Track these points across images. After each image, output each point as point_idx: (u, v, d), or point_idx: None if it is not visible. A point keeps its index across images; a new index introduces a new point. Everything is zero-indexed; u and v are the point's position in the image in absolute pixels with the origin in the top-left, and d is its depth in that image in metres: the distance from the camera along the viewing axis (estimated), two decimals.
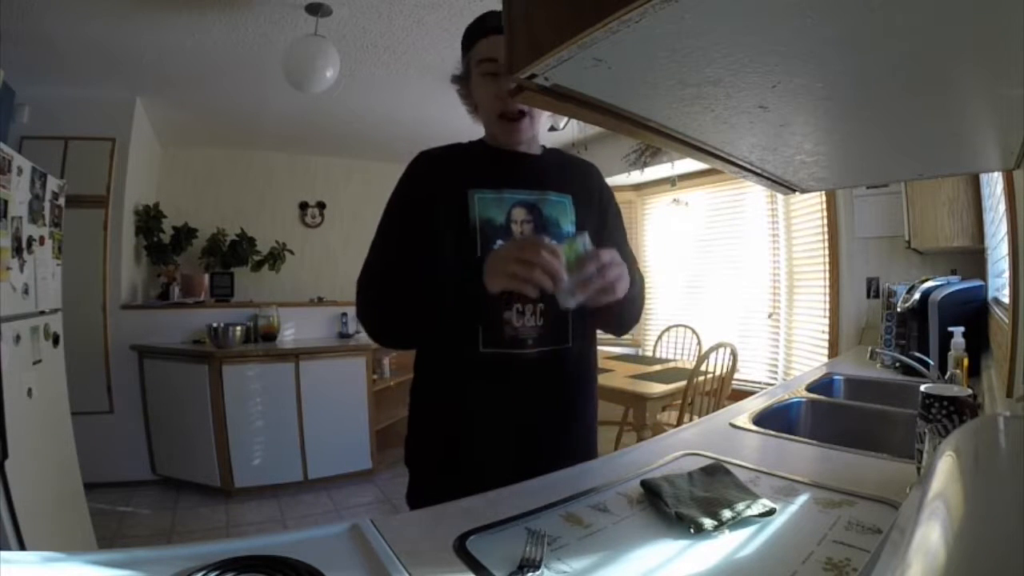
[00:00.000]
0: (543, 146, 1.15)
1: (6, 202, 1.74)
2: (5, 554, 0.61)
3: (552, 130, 3.64)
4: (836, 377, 2.00)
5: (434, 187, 1.03)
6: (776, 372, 3.57)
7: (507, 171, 1.05)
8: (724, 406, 1.96)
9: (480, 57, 1.02)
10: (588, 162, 1.19)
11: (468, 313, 0.96)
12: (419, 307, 0.96)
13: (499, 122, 1.03)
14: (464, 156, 1.08)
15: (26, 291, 1.87)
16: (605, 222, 1.14)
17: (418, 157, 1.09)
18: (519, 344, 1.00)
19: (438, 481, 1.00)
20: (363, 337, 3.80)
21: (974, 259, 2.25)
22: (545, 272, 0.82)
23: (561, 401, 1.07)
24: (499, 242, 0.97)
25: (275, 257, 4.37)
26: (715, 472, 0.91)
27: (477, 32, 1.04)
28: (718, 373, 2.76)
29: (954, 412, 0.75)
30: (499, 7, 0.53)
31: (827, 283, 3.07)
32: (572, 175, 1.13)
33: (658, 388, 2.63)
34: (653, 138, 0.66)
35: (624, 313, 1.06)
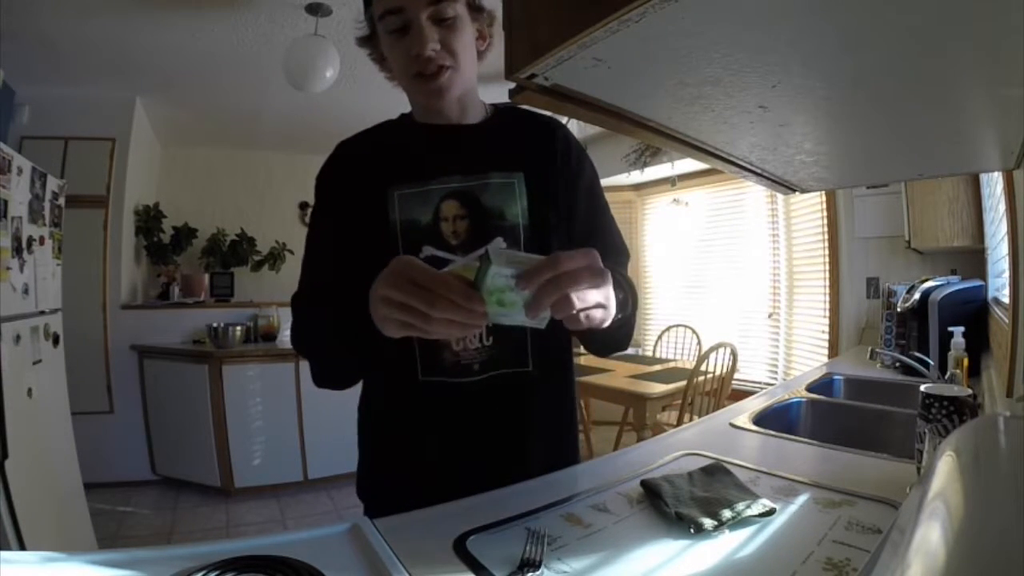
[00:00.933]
0: (492, 106, 0.91)
1: (6, 202, 1.74)
2: (5, 554, 0.61)
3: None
4: (836, 377, 2.00)
5: (350, 188, 0.85)
6: (776, 372, 3.57)
7: (435, 153, 0.84)
8: (724, 406, 1.96)
9: (382, 10, 0.78)
10: (552, 120, 0.93)
11: (380, 353, 0.74)
12: (338, 354, 0.79)
13: (415, 83, 0.80)
14: (384, 142, 0.89)
15: (26, 291, 1.87)
16: (575, 199, 0.88)
17: (335, 150, 0.92)
18: (463, 372, 0.82)
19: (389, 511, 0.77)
20: None
21: (974, 259, 2.25)
22: (446, 317, 0.57)
23: (519, 438, 0.87)
24: (427, 248, 0.79)
25: (275, 257, 4.37)
26: (715, 472, 0.91)
27: None
28: (718, 373, 2.76)
29: (954, 412, 0.75)
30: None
31: (827, 283, 3.07)
32: (527, 143, 0.88)
33: (658, 388, 2.63)
34: (653, 138, 0.66)
35: (609, 333, 0.75)
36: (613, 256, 0.87)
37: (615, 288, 0.67)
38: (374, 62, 0.89)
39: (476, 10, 0.82)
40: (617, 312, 0.68)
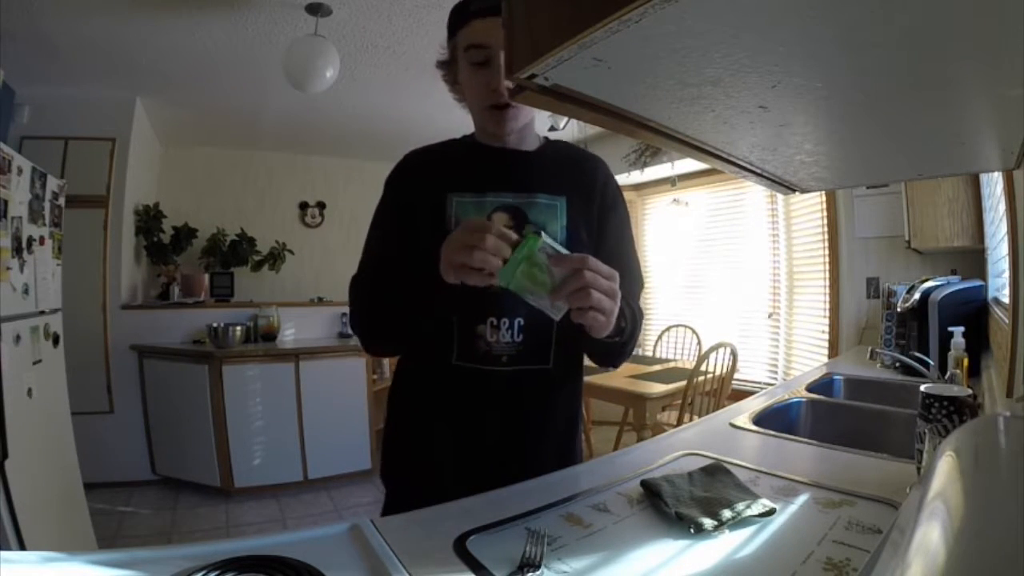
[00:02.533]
0: (544, 138, 1.05)
1: (6, 202, 1.74)
2: (5, 554, 0.61)
3: (552, 130, 3.64)
4: (836, 377, 2.00)
5: (416, 190, 0.98)
6: (776, 372, 3.57)
7: (493, 171, 0.96)
8: (724, 406, 1.96)
9: (467, 43, 0.90)
10: (595, 156, 1.07)
11: (430, 319, 0.90)
12: (392, 317, 0.91)
13: (487, 112, 0.93)
14: (449, 155, 1.01)
15: (26, 291, 1.87)
16: (606, 227, 1.00)
17: (404, 158, 1.04)
18: (493, 361, 0.92)
19: (409, 496, 0.87)
20: None
21: (974, 259, 2.25)
22: (488, 255, 0.70)
23: (535, 424, 0.97)
24: None
25: (275, 257, 4.37)
26: (715, 472, 0.91)
27: (462, 15, 0.91)
28: (718, 373, 2.76)
29: (954, 412, 0.75)
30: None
31: (827, 283, 3.07)
32: (571, 173, 1.01)
33: (658, 388, 2.63)
34: (653, 138, 0.66)
35: (601, 343, 0.86)
36: (629, 281, 0.94)
37: (620, 314, 0.81)
38: (445, 83, 1.03)
39: None
40: (615, 332, 0.82)
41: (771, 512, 0.77)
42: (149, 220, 3.65)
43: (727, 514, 0.74)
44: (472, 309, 0.91)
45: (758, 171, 0.86)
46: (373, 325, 0.95)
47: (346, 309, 3.94)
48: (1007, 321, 1.28)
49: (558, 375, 0.97)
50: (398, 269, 0.90)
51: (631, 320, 0.90)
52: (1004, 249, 1.49)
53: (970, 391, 0.77)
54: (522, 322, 0.92)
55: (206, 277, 3.85)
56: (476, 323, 0.92)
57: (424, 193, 0.96)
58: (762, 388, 2.93)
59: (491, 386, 0.93)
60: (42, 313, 2.01)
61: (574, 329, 0.80)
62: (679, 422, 2.57)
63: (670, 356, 3.84)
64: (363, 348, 1.00)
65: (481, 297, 0.87)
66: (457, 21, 0.93)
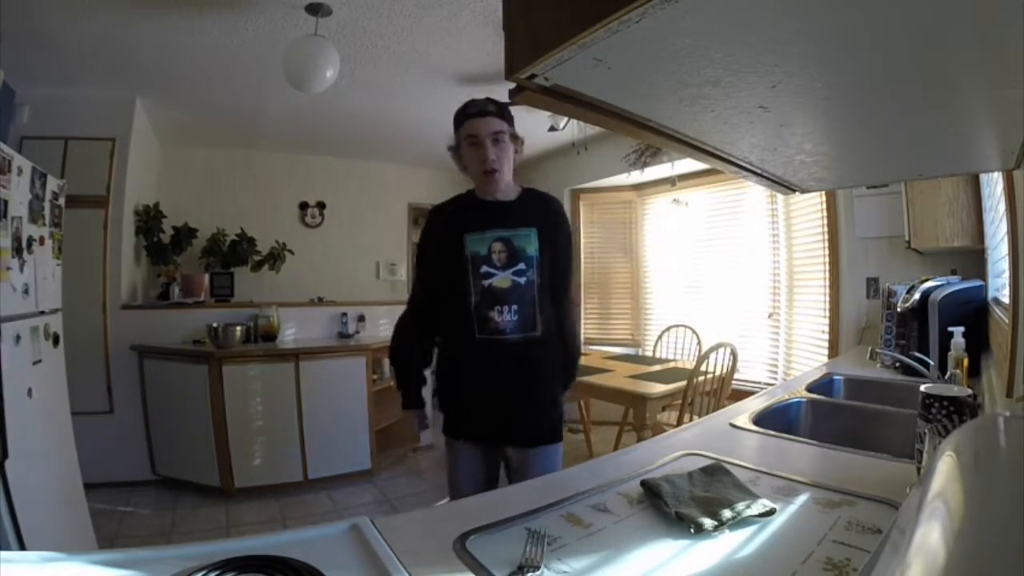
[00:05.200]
0: (521, 187, 1.55)
1: (6, 202, 1.74)
2: (5, 554, 0.61)
3: (552, 130, 3.64)
4: (836, 377, 2.00)
5: (442, 234, 1.51)
6: (776, 372, 3.56)
7: (489, 216, 1.47)
8: (724, 406, 1.96)
9: (466, 134, 1.43)
10: (552, 198, 1.60)
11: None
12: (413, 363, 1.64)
13: (482, 177, 1.45)
14: (462, 208, 1.52)
15: (26, 291, 1.87)
16: (559, 243, 1.54)
17: (432, 212, 1.57)
18: (502, 332, 1.44)
19: (454, 418, 1.54)
20: (363, 337, 3.81)
21: (974, 259, 2.25)
22: None
23: (532, 370, 1.49)
24: (484, 267, 1.44)
25: (275, 257, 4.37)
26: (715, 472, 0.91)
27: (463, 116, 1.43)
28: (718, 373, 2.76)
29: (954, 412, 0.75)
30: (498, 14, 0.53)
31: (827, 283, 3.07)
32: (539, 211, 1.53)
33: (658, 388, 2.63)
34: (653, 138, 0.66)
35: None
36: (566, 279, 1.60)
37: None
38: (454, 160, 1.53)
39: (514, 138, 1.47)
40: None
41: (771, 512, 0.77)
42: (149, 220, 3.65)
43: (727, 514, 0.74)
44: (485, 302, 1.44)
45: (758, 171, 0.86)
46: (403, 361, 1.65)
47: (346, 309, 3.94)
48: (1007, 321, 1.28)
49: (545, 338, 1.49)
50: (434, 300, 1.54)
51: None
52: (1004, 249, 1.49)
53: (970, 391, 0.77)
54: (516, 307, 1.45)
55: (206, 277, 3.84)
56: (488, 310, 1.44)
57: (447, 237, 1.48)
58: (762, 388, 2.92)
59: (504, 350, 1.45)
60: (42, 313, 2.01)
61: (551, 309, 1.52)
62: (679, 422, 2.57)
63: (670, 356, 3.84)
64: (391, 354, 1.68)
65: (491, 295, 1.44)
66: (460, 119, 1.44)
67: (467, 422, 1.51)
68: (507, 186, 1.49)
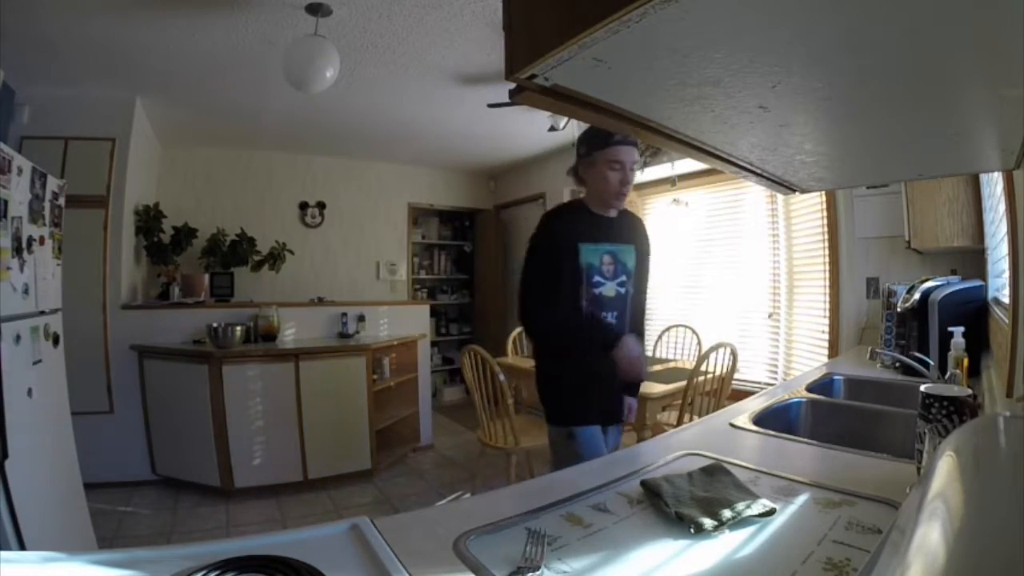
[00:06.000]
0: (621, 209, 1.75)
1: (6, 202, 1.74)
2: (5, 554, 0.61)
3: (552, 130, 3.64)
4: (836, 377, 2.00)
5: (558, 239, 1.63)
6: (776, 372, 3.56)
7: (601, 229, 1.66)
8: (724, 406, 1.96)
9: (610, 158, 1.59)
10: (641, 218, 1.84)
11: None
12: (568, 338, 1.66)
13: (613, 199, 1.64)
14: (576, 217, 1.67)
15: (26, 291, 1.87)
16: (647, 261, 1.78)
17: (548, 216, 1.69)
18: (611, 331, 1.65)
19: (576, 407, 1.66)
20: (363, 337, 3.81)
21: (974, 259, 2.24)
22: None
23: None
24: (596, 277, 1.62)
25: (275, 257, 4.37)
26: (715, 472, 0.91)
27: (606, 141, 1.59)
28: (718, 373, 2.76)
29: (954, 412, 0.75)
30: (498, 14, 0.53)
31: (827, 283, 3.06)
32: (634, 230, 1.76)
33: (658, 388, 2.63)
34: (653, 138, 0.66)
35: None
36: (645, 296, 1.84)
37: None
38: (576, 171, 1.71)
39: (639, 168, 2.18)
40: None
41: (771, 512, 0.77)
42: (149, 220, 3.65)
43: (727, 514, 0.74)
44: (594, 308, 1.63)
45: (758, 171, 0.86)
46: (552, 341, 1.72)
47: (346, 309, 3.94)
48: (1007, 321, 1.28)
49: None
50: (555, 294, 1.62)
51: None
52: (1004, 249, 1.49)
53: (970, 391, 0.77)
54: (616, 313, 1.68)
55: (206, 277, 3.84)
56: (601, 315, 1.65)
57: (564, 243, 1.62)
58: (762, 388, 2.92)
59: (607, 343, 1.61)
60: (42, 313, 2.01)
61: (634, 319, 1.76)
62: (679, 422, 2.57)
63: (670, 356, 3.84)
64: (530, 334, 1.75)
65: (598, 302, 1.63)
66: (602, 143, 1.60)
67: (591, 409, 1.66)
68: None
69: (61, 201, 2.21)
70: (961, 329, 1.43)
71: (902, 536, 0.32)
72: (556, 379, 1.72)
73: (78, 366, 2.52)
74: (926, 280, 2.04)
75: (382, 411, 3.68)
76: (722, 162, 0.79)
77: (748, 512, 0.75)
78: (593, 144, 1.63)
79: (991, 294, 1.91)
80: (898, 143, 0.76)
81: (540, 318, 1.65)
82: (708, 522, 0.72)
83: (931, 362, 1.61)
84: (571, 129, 3.79)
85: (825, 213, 3.09)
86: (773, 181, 0.95)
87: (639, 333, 1.80)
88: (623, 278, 1.67)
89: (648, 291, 1.84)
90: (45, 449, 2.01)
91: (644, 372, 1.73)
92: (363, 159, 4.96)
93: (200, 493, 3.14)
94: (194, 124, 3.85)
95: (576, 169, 1.70)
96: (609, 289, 1.64)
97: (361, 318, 3.92)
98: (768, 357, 3.65)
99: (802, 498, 0.83)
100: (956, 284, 1.93)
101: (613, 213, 1.70)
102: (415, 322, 4.25)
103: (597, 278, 1.62)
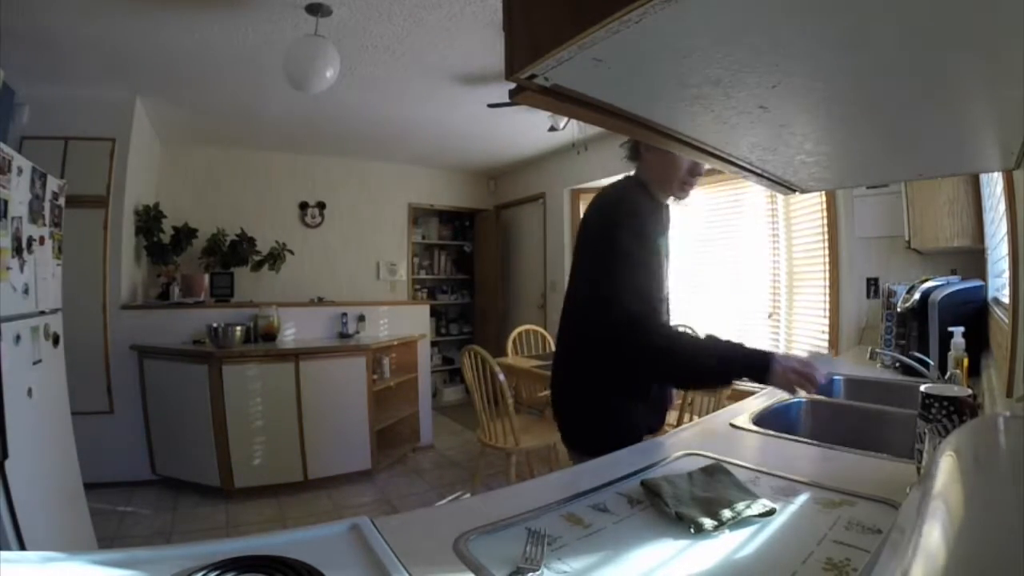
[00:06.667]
0: None
1: (6, 202, 1.74)
2: (5, 554, 0.61)
3: (552, 130, 3.64)
4: (836, 377, 1.99)
5: (648, 227, 1.35)
6: None
7: (664, 219, 1.46)
8: (724, 406, 1.95)
9: (690, 164, 1.35)
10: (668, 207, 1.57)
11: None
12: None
13: (679, 189, 1.39)
14: (647, 204, 1.40)
15: (26, 291, 1.87)
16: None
17: (632, 202, 1.37)
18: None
19: (634, 420, 1.40)
20: (363, 337, 3.81)
21: (974, 259, 2.24)
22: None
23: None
24: (665, 270, 1.42)
25: (275, 257, 4.37)
26: (715, 472, 0.91)
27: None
28: None
29: (954, 412, 0.75)
30: (498, 14, 0.53)
31: (827, 283, 3.07)
32: (669, 217, 1.54)
33: None
34: (653, 138, 0.66)
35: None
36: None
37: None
38: (644, 150, 1.41)
39: None
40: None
41: (771, 512, 0.77)
42: (149, 220, 3.65)
43: (727, 514, 0.74)
44: (665, 306, 1.44)
45: (758, 171, 0.86)
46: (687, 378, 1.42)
47: (346, 309, 3.94)
48: (1007, 321, 1.28)
49: None
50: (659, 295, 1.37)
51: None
52: (1004, 249, 1.49)
53: (970, 391, 0.77)
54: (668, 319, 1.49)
55: (206, 277, 3.84)
56: (666, 314, 1.44)
57: (651, 233, 1.35)
58: (762, 388, 2.92)
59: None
60: (42, 313, 2.01)
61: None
62: (679, 422, 2.57)
63: None
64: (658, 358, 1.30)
65: (668, 309, 1.46)
66: None
67: (646, 418, 1.44)
68: None
69: (61, 201, 2.21)
70: (961, 329, 1.43)
71: (902, 536, 0.32)
72: (622, 410, 1.38)
73: (78, 366, 2.52)
74: (926, 280, 2.04)
75: (382, 411, 3.68)
76: (722, 162, 0.79)
77: (748, 512, 0.75)
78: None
79: (991, 294, 1.91)
80: (898, 143, 0.76)
81: (670, 335, 1.28)
82: (708, 522, 0.72)
83: (931, 362, 1.61)
84: (571, 129, 3.78)
85: (825, 213, 3.09)
86: (773, 181, 0.95)
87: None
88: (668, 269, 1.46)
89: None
90: (45, 449, 2.01)
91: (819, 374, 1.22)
92: (363, 159, 4.96)
93: (200, 493, 3.14)
94: (194, 124, 3.85)
95: (637, 144, 1.41)
96: (667, 291, 1.43)
97: (361, 318, 3.92)
98: None
99: (802, 498, 0.83)
100: (956, 284, 1.93)
101: (668, 201, 1.45)
102: (415, 322, 4.25)
103: (665, 270, 1.40)
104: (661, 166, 1.37)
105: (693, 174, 1.35)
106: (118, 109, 3.23)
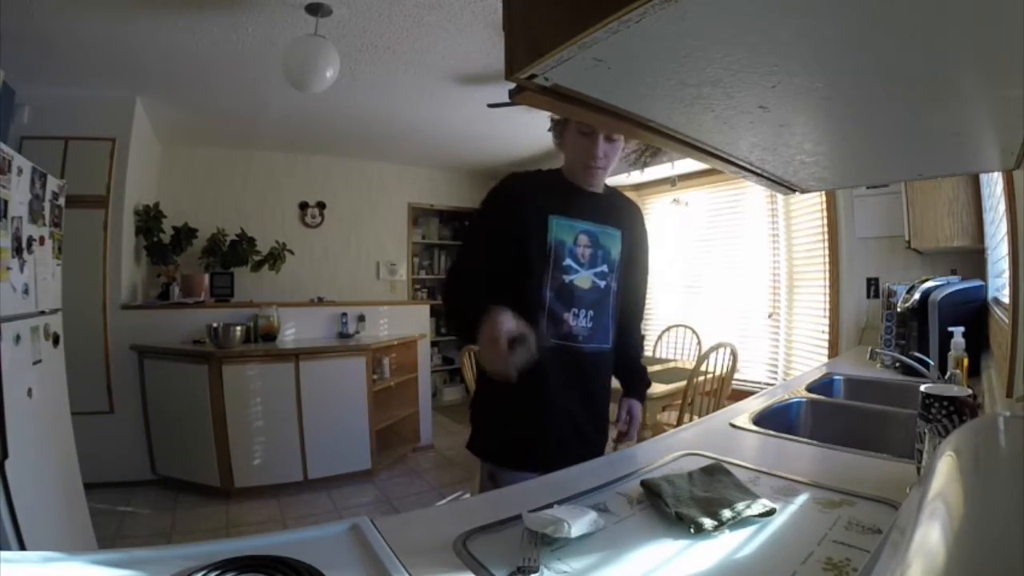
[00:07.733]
0: (605, 185, 1.38)
1: (6, 202, 1.74)
2: (5, 554, 0.61)
3: (552, 130, 3.64)
4: (836, 377, 2.00)
5: (521, 206, 1.26)
6: (776, 372, 3.56)
7: (579, 204, 1.30)
8: (724, 406, 1.96)
9: (580, 118, 1.18)
10: (636, 204, 1.47)
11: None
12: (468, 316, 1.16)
13: (584, 170, 1.28)
14: (547, 185, 1.32)
15: (26, 291, 1.87)
16: (641, 253, 1.43)
17: (508, 179, 1.33)
18: (575, 339, 1.26)
19: (503, 436, 1.27)
20: (363, 337, 3.81)
21: (974, 259, 2.25)
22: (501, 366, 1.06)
23: (602, 388, 1.36)
24: (567, 260, 1.25)
25: (275, 257, 4.37)
26: (715, 472, 0.91)
27: None
28: (718, 373, 2.76)
29: (954, 412, 0.75)
30: (498, 14, 0.53)
31: (827, 283, 3.07)
32: (624, 214, 1.39)
33: (658, 388, 2.63)
34: (653, 138, 0.66)
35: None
36: (642, 297, 1.49)
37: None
38: (554, 135, 1.35)
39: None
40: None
41: (771, 512, 0.77)
42: (149, 220, 3.65)
43: (727, 514, 0.74)
44: (560, 300, 1.25)
45: (758, 171, 0.86)
46: (457, 316, 1.26)
47: (346, 309, 3.94)
48: (1007, 321, 1.28)
49: (611, 355, 1.35)
50: (490, 275, 1.25)
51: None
52: (1004, 249, 1.49)
53: (970, 391, 0.77)
54: (592, 313, 1.28)
55: (206, 277, 3.84)
56: (563, 311, 1.25)
57: (529, 212, 1.25)
58: (762, 388, 2.92)
59: (579, 361, 1.27)
60: (42, 313, 2.01)
61: (623, 318, 1.38)
62: (679, 422, 2.57)
63: (670, 356, 3.84)
64: (455, 329, 1.29)
65: (568, 293, 1.25)
66: None
67: (529, 448, 1.22)
68: (601, 182, 1.35)
69: (61, 201, 2.21)
70: (961, 329, 1.43)
71: (902, 536, 0.32)
72: (486, 392, 1.33)
73: (78, 366, 2.52)
74: (926, 280, 2.04)
75: (382, 411, 3.68)
76: (722, 162, 0.79)
77: (748, 512, 0.75)
78: None
79: (991, 294, 1.91)
80: (898, 143, 0.76)
81: (471, 305, 1.15)
82: (708, 522, 0.72)
83: (931, 362, 1.61)
84: None
85: (825, 213, 3.09)
86: (773, 181, 0.95)
87: (634, 345, 1.45)
88: (603, 268, 1.29)
89: (644, 293, 1.48)
90: (45, 449, 2.01)
91: (634, 433, 1.39)
92: (363, 159, 4.96)
93: (200, 493, 3.14)
94: (194, 124, 3.85)
95: (562, 132, 1.34)
96: (583, 279, 1.26)
97: (361, 318, 3.92)
98: (768, 357, 3.65)
99: (802, 498, 0.83)
100: (956, 284, 1.93)
101: (598, 189, 1.33)
102: (415, 322, 4.25)
103: (569, 261, 1.24)
104: (568, 152, 1.31)
105: (593, 156, 1.24)
106: (118, 109, 3.23)
